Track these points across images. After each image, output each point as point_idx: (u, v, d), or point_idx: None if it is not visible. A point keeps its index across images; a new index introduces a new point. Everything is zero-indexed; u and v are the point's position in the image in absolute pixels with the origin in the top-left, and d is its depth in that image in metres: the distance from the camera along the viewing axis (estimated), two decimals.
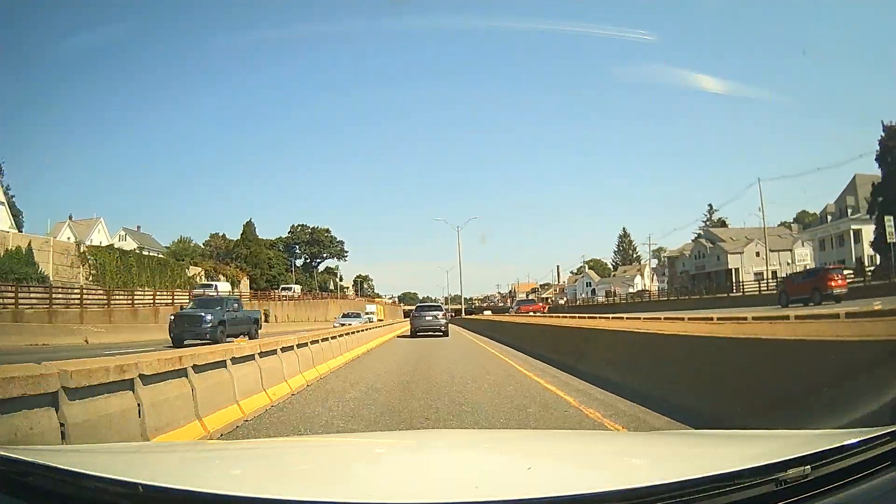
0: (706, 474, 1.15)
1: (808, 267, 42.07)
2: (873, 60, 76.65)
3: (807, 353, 3.84)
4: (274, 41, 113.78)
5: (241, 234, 75.04)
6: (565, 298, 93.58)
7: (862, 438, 1.30)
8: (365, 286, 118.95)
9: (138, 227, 67.98)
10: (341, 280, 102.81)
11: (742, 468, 1.17)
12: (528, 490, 1.13)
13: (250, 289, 54.08)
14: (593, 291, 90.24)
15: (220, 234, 77.74)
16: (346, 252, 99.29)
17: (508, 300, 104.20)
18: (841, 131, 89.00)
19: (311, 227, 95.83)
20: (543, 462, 1.68)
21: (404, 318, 74.77)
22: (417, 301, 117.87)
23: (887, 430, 1.33)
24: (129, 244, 54.47)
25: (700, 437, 2.35)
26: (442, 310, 24.36)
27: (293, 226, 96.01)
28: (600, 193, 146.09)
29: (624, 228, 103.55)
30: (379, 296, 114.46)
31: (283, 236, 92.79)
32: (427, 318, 23.00)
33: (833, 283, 23.80)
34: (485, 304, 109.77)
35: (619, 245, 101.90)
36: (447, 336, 22.15)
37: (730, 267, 59.25)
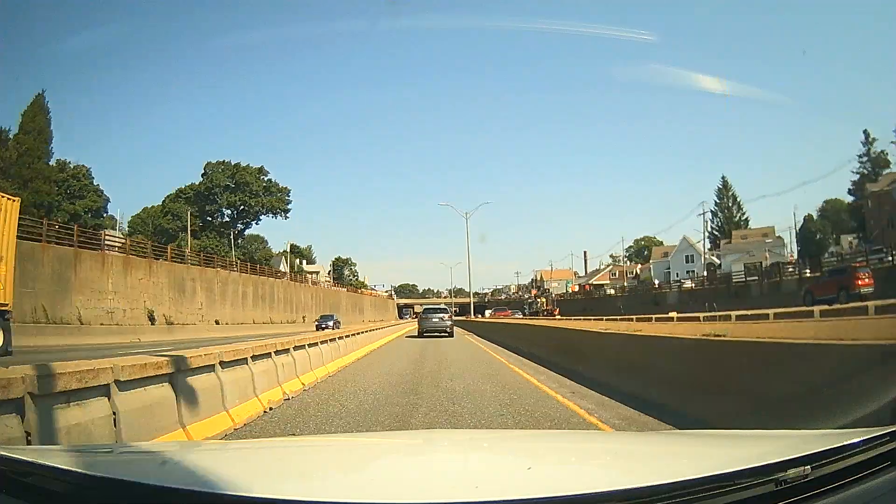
0: (706, 474, 1.15)
1: None
2: (873, 60, 76.43)
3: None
4: (273, 41, 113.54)
5: (20, 124, 38.91)
6: (657, 282, 60.99)
7: (862, 438, 1.30)
8: (347, 272, 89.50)
9: None
10: (296, 254, 67.42)
11: (742, 468, 1.17)
12: (529, 490, 1.13)
13: None
14: (715, 268, 56.64)
15: None
16: (290, 205, 62.61)
17: (534, 292, 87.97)
18: (841, 130, 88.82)
19: (234, 164, 59.35)
20: (543, 462, 1.68)
21: (400, 318, 60.90)
22: (417, 294, 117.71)
23: (887, 430, 1.33)
24: None
25: (700, 437, 2.35)
26: (447, 312, 26.65)
27: (207, 163, 59.65)
28: (601, 191, 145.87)
29: (724, 179, 69.48)
30: (365, 285, 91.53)
31: (196, 182, 59.19)
32: (433, 319, 25.51)
33: (860, 283, 23.03)
34: (502, 298, 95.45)
35: (717, 203, 67.63)
36: (452, 336, 24.49)
37: None
